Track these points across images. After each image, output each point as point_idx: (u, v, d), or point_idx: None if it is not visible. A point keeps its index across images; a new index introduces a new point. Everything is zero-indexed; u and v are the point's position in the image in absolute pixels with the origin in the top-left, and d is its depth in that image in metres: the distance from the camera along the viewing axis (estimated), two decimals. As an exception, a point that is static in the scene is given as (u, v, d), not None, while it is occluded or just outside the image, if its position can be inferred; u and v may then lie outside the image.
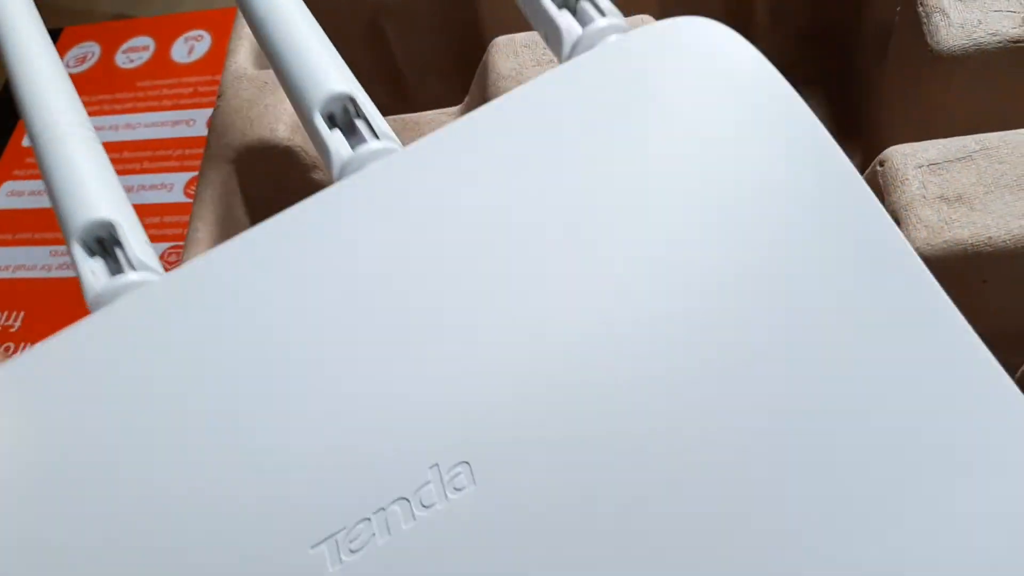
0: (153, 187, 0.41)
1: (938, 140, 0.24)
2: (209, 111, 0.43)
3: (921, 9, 0.25)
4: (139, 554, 0.14)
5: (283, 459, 0.15)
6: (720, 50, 0.18)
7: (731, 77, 0.17)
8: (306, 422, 0.15)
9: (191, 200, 0.39)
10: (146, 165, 0.42)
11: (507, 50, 0.28)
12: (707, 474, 0.14)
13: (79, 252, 0.18)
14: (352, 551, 0.14)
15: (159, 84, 0.44)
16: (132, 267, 0.18)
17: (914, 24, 0.25)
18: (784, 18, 0.33)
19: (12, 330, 0.38)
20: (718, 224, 0.16)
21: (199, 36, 0.45)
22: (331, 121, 0.19)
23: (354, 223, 0.17)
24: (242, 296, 0.16)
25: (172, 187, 0.41)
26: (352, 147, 0.18)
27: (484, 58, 0.29)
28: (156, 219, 0.40)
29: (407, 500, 0.14)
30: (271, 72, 0.30)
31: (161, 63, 0.45)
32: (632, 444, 0.14)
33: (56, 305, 0.39)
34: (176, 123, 0.43)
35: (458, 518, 0.14)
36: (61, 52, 0.48)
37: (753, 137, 0.17)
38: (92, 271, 0.18)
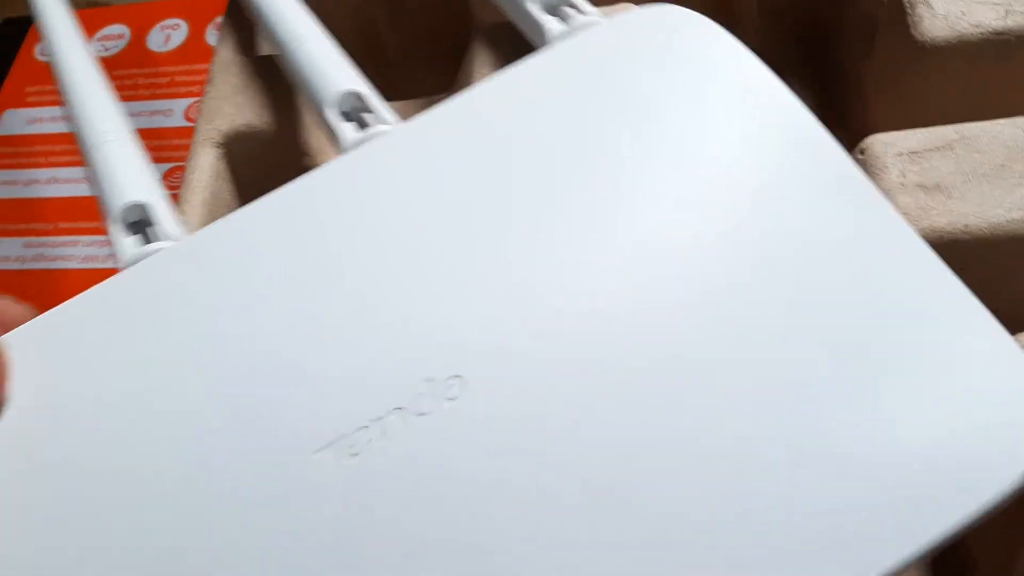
0: (130, 177, 0.41)
1: (919, 129, 0.24)
2: (187, 101, 0.43)
3: (906, 1, 0.26)
4: (164, 456, 0.16)
5: (292, 376, 0.17)
6: (690, 31, 0.20)
7: (700, 55, 0.19)
8: (314, 343, 0.17)
9: (170, 192, 0.39)
10: (123, 155, 0.41)
11: (493, 38, 0.29)
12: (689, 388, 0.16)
13: (117, 231, 0.20)
14: (352, 455, 0.16)
15: (134, 73, 0.44)
16: (162, 239, 0.20)
17: (899, 15, 0.26)
18: (770, 10, 0.33)
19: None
20: (696, 172, 0.18)
21: (176, 25, 0.45)
22: (344, 116, 0.21)
23: (362, 180, 0.19)
24: (261, 241, 0.18)
25: (150, 177, 0.40)
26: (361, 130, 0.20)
27: (470, 46, 0.29)
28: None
29: (403, 409, 0.16)
30: (259, 59, 0.31)
31: (137, 52, 0.45)
32: (614, 362, 0.16)
33: (30, 296, 0.38)
34: (154, 113, 0.42)
35: (450, 424, 0.16)
36: (32, 41, 0.47)
37: (725, 105, 0.18)
38: (127, 245, 0.20)
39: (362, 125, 0.21)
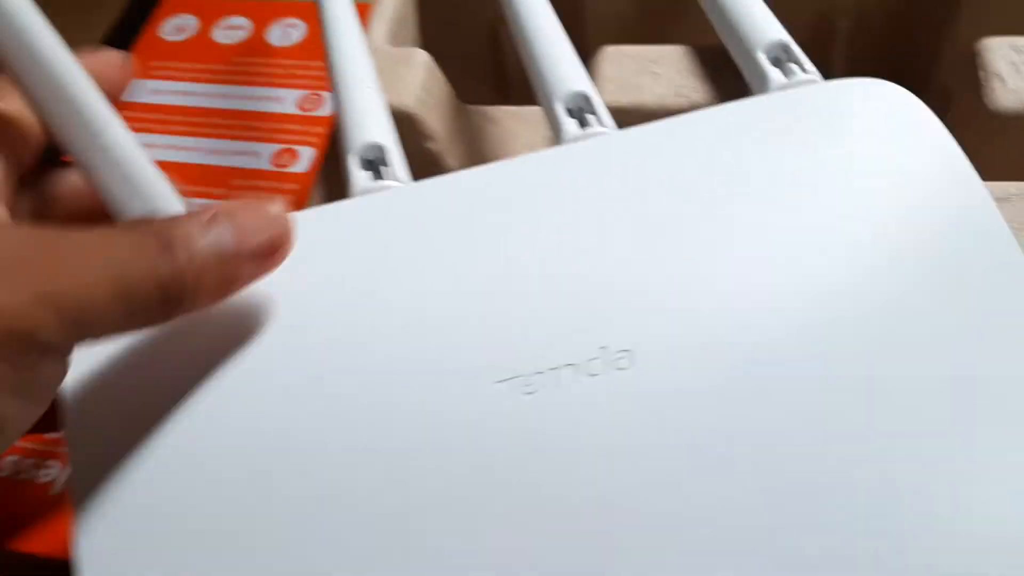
0: (240, 153, 0.44)
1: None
2: (300, 92, 0.47)
3: (982, 74, 0.30)
4: (383, 359, 0.19)
5: (488, 316, 0.19)
6: (901, 106, 0.22)
7: (904, 129, 0.22)
8: (510, 292, 0.20)
9: (277, 169, 0.43)
10: (236, 132, 0.45)
11: (613, 58, 0.33)
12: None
13: (354, 164, 0.24)
14: (527, 392, 0.18)
15: (253, 61, 0.48)
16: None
17: (975, 87, 0.30)
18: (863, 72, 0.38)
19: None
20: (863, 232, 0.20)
21: (294, 24, 0.49)
22: (568, 112, 0.24)
23: (576, 169, 0.22)
24: (480, 200, 0.21)
25: (259, 156, 0.44)
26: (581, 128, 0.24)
27: (592, 64, 0.33)
28: (242, 181, 0.43)
29: (575, 366, 0.19)
30: (404, 50, 0.35)
31: (256, 43, 0.49)
32: (766, 369, 0.18)
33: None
34: (267, 99, 0.46)
35: (615, 389, 0.18)
36: (159, 19, 0.51)
37: (911, 178, 0.21)
38: (361, 178, 0.23)
39: (583, 124, 0.24)
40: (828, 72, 0.37)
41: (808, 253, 0.19)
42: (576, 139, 0.23)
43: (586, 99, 0.24)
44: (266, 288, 0.20)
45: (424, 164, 0.35)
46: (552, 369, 0.19)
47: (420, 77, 0.35)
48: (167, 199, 0.21)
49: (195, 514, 0.18)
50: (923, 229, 0.20)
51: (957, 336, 0.18)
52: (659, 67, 0.33)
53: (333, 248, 0.21)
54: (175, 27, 0.50)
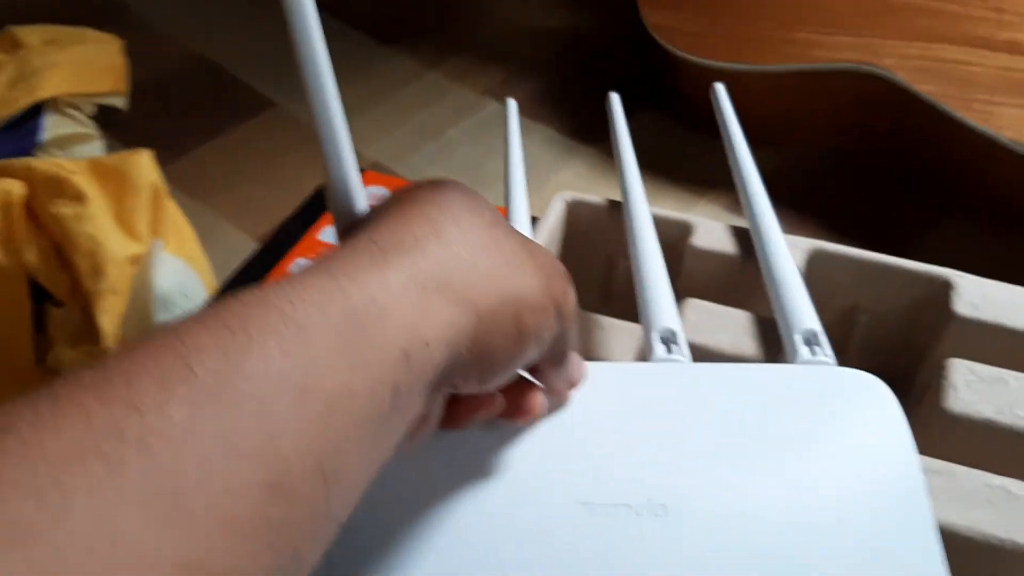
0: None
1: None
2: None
3: (944, 383, 0.43)
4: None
5: (596, 470, 0.30)
6: (875, 396, 0.33)
7: (872, 414, 0.32)
8: (611, 459, 0.31)
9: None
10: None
11: (696, 309, 0.46)
12: None
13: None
14: (596, 515, 0.29)
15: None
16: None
17: (939, 390, 0.43)
18: (871, 356, 0.51)
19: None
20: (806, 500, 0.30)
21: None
22: (661, 339, 0.37)
23: (657, 383, 0.33)
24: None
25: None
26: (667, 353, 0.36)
27: (680, 305, 0.46)
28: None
29: (630, 507, 0.29)
30: None
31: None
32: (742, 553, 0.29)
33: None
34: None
35: (651, 527, 0.29)
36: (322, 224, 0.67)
37: (858, 464, 0.31)
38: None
39: (668, 350, 0.36)
40: (845, 348, 0.51)
41: (781, 481, 0.30)
42: (661, 359, 0.36)
43: (673, 333, 0.37)
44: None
45: None
46: (613, 505, 0.29)
47: None
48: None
49: None
50: (858, 489, 0.30)
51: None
52: (726, 322, 0.46)
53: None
54: (373, 196, 0.67)
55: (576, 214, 0.56)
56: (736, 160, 0.51)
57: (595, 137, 0.78)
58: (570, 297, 0.28)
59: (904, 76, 0.63)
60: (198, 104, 0.84)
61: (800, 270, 0.49)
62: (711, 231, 0.52)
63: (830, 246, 0.51)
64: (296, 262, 0.62)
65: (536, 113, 0.82)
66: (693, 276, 0.52)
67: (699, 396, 0.32)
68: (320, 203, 0.67)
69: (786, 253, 0.44)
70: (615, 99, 0.58)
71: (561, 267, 0.28)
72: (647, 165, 0.55)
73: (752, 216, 0.48)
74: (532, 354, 0.26)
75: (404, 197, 0.27)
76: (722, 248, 0.51)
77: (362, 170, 0.70)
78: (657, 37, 0.73)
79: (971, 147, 0.62)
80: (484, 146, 0.79)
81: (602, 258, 0.55)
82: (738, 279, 0.50)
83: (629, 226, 0.46)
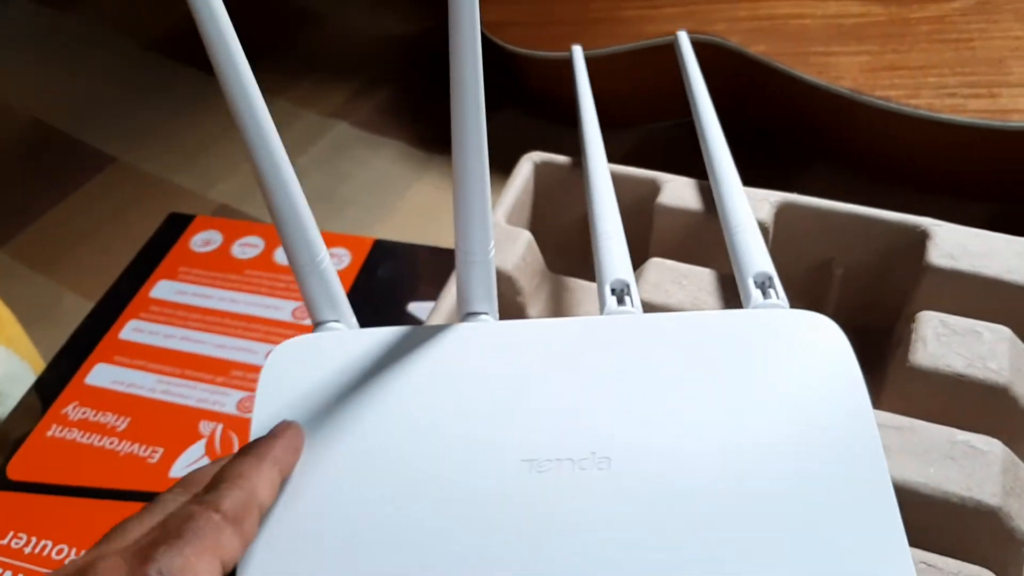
0: (241, 349, 0.57)
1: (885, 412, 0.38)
2: (294, 303, 0.59)
3: (914, 336, 0.41)
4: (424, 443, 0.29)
5: (531, 421, 0.29)
6: (824, 335, 0.31)
7: (821, 353, 0.30)
8: (546, 412, 0.30)
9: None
10: (240, 332, 0.57)
11: (656, 266, 0.45)
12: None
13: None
14: (539, 472, 0.28)
15: (261, 275, 0.61)
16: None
17: (908, 343, 0.41)
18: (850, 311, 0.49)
19: (119, 429, 0.52)
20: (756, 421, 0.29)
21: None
22: (612, 291, 0.36)
23: (609, 336, 0.32)
24: (537, 342, 0.32)
25: (256, 353, 0.56)
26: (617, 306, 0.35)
27: (640, 269, 0.45)
28: (240, 373, 0.55)
29: (573, 461, 0.28)
30: (515, 229, 0.48)
31: (266, 260, 0.62)
32: (687, 484, 0.28)
33: (154, 417, 0.53)
34: (268, 307, 0.59)
35: (596, 481, 0.28)
36: (190, 234, 0.64)
37: (809, 387, 0.29)
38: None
39: (620, 302, 0.35)
40: (823, 303, 0.50)
41: (727, 425, 0.29)
42: (612, 312, 0.34)
43: (627, 285, 0.36)
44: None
45: (513, 311, 0.48)
46: (556, 460, 0.28)
47: (521, 250, 0.48)
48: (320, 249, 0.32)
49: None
50: (807, 429, 0.29)
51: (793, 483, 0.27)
52: (686, 280, 0.45)
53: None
54: (203, 240, 0.64)
55: (545, 175, 0.55)
56: (696, 109, 0.50)
57: (449, 146, 0.74)
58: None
59: (737, 39, 0.61)
60: (40, 171, 0.80)
61: (768, 223, 0.48)
62: (678, 188, 0.51)
63: (800, 198, 0.49)
64: (129, 324, 0.58)
65: (386, 128, 0.79)
66: (662, 235, 0.51)
67: (645, 346, 0.31)
68: (152, 255, 0.63)
69: (742, 200, 0.42)
70: (577, 51, 0.57)
71: None
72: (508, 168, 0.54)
73: (710, 165, 0.46)
74: None
75: None
76: (688, 205, 0.50)
77: (194, 217, 0.66)
78: (491, 35, 0.70)
79: (815, 101, 0.60)
80: (334, 171, 0.75)
81: (577, 220, 0.53)
82: (707, 236, 0.49)
83: (585, 181, 0.45)
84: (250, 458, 0.27)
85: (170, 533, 0.24)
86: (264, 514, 0.27)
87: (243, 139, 0.30)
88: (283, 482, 0.28)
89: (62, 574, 0.23)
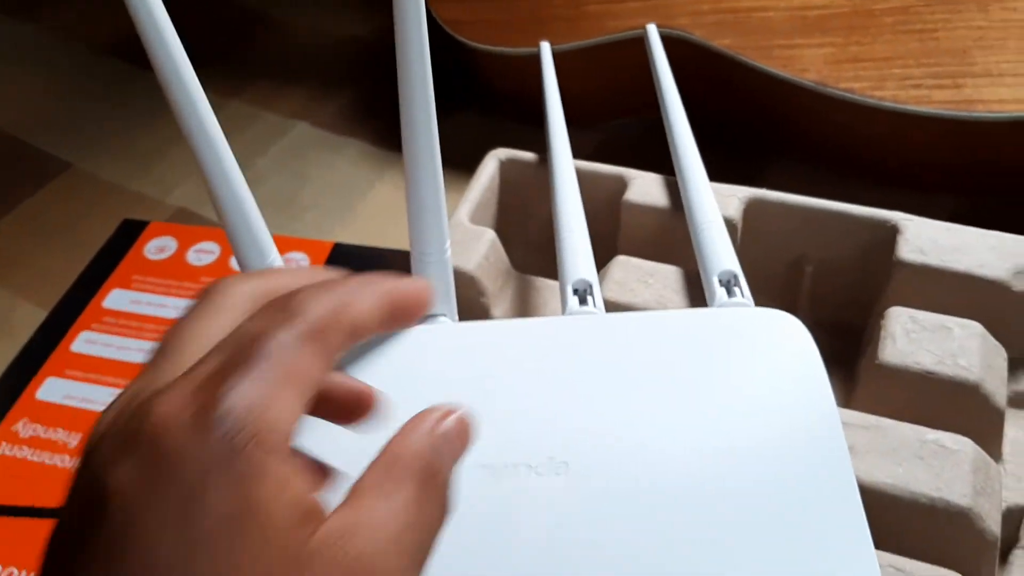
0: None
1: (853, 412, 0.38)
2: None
3: (883, 332, 0.40)
4: None
5: (488, 427, 0.27)
6: (789, 334, 0.30)
7: (785, 352, 0.30)
8: (504, 414, 0.28)
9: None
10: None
11: (621, 264, 0.44)
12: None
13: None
14: (496, 478, 0.27)
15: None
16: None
17: (877, 340, 0.40)
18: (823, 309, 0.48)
19: (70, 446, 0.51)
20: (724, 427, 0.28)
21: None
22: (575, 291, 0.35)
23: (570, 335, 0.31)
24: (497, 343, 0.31)
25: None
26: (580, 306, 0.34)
27: (605, 268, 0.44)
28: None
29: (532, 467, 0.27)
30: (478, 228, 0.47)
31: (222, 266, 0.60)
32: (650, 486, 0.27)
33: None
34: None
35: (553, 485, 0.27)
36: (144, 241, 0.62)
37: (776, 391, 0.29)
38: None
39: (582, 302, 0.34)
40: (796, 300, 0.49)
41: (689, 426, 0.28)
42: (572, 312, 0.34)
43: (590, 286, 0.35)
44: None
45: (477, 312, 0.47)
46: (514, 465, 0.27)
47: (484, 249, 0.47)
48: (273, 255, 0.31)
49: None
50: (770, 428, 0.28)
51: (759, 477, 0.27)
52: (652, 279, 0.44)
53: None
54: (157, 247, 0.62)
55: (511, 173, 0.53)
56: (663, 104, 0.49)
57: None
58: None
59: (700, 34, 0.60)
60: (-5, 179, 0.78)
61: (737, 220, 0.47)
62: (646, 184, 0.50)
63: (770, 193, 0.48)
64: (81, 335, 0.56)
65: (347, 128, 0.77)
66: (630, 232, 0.50)
67: (605, 347, 0.30)
68: (105, 264, 0.62)
69: (708, 196, 0.41)
70: (545, 47, 0.56)
71: None
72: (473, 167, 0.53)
73: (677, 162, 0.45)
74: None
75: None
76: (656, 202, 0.49)
77: (148, 223, 0.65)
78: (453, 32, 0.69)
79: (780, 95, 0.60)
80: (294, 173, 0.74)
81: (545, 218, 0.51)
82: (676, 233, 0.48)
83: (551, 177, 0.44)
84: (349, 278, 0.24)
85: (236, 360, 0.20)
86: (361, 338, 0.24)
87: (189, 143, 0.29)
88: (401, 324, 0.28)
89: (111, 411, 0.21)
